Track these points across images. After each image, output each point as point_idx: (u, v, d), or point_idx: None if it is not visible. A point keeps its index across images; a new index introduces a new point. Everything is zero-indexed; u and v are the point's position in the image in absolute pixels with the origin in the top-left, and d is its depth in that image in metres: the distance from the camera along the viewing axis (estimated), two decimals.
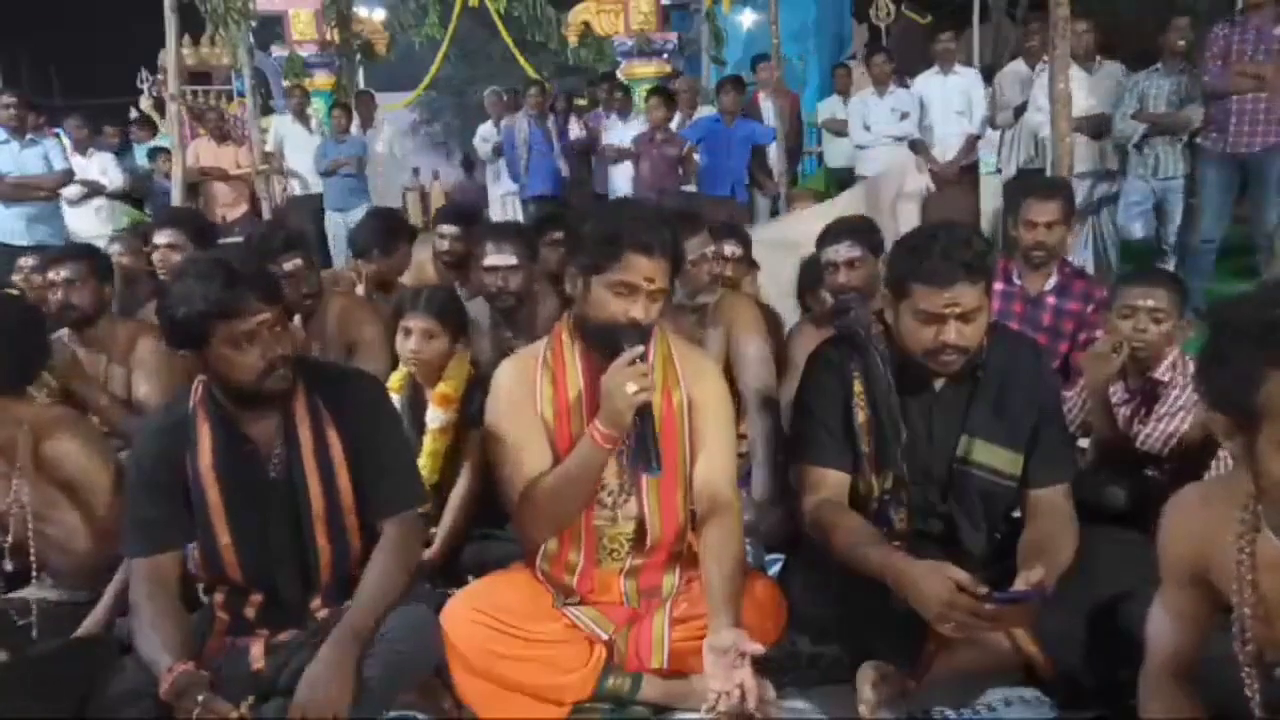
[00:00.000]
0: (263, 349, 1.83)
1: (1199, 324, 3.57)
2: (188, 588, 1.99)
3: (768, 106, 7.59)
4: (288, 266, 3.01)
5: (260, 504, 1.94)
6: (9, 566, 2.17)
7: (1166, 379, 2.61)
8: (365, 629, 1.84)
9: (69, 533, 2.18)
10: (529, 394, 2.02)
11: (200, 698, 1.70)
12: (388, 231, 3.82)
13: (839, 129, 7.33)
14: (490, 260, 3.07)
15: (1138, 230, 5.54)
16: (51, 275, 3.02)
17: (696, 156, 6.85)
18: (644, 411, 1.83)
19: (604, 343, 1.90)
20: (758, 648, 1.74)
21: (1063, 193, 3.39)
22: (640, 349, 1.84)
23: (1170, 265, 5.36)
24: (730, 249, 3.41)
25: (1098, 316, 3.15)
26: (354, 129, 7.87)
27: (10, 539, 2.14)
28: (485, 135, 8.11)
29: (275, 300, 1.87)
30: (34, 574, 2.24)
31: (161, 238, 3.56)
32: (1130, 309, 2.58)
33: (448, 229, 4.17)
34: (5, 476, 2.14)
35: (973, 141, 6.39)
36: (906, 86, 6.90)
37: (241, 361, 1.83)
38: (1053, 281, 3.27)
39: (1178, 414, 2.56)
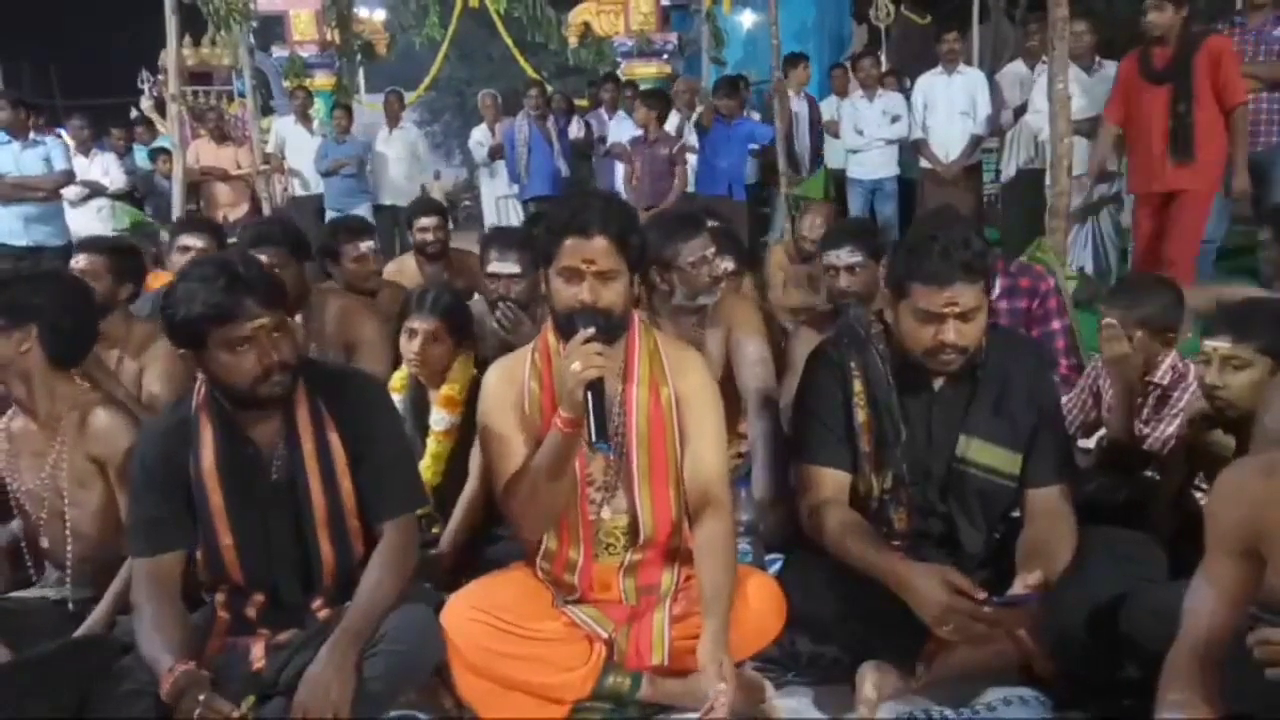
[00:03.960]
0: (259, 354, 1.83)
1: (1196, 325, 3.57)
2: (190, 587, 1.99)
3: (800, 108, 7.52)
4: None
5: (262, 506, 1.94)
6: (45, 544, 2.21)
7: (1165, 382, 2.62)
8: (363, 630, 1.84)
9: (88, 516, 2.20)
10: (516, 395, 2.03)
11: (201, 697, 1.70)
12: (321, 246, 3.71)
13: (836, 131, 7.33)
14: (493, 267, 3.07)
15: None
16: (73, 263, 3.09)
17: (692, 157, 6.85)
18: (594, 389, 1.81)
19: (565, 331, 1.91)
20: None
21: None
22: (590, 330, 1.83)
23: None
24: (724, 264, 3.34)
25: (1051, 304, 3.13)
26: (355, 129, 7.88)
27: (41, 516, 2.19)
28: (480, 138, 8.11)
29: (275, 306, 1.86)
30: (30, 565, 2.25)
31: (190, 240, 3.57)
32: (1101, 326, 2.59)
33: (426, 220, 4.29)
34: (41, 454, 2.18)
35: (976, 141, 6.40)
36: (904, 88, 6.90)
37: (237, 366, 1.83)
38: (999, 287, 3.23)
39: (1178, 416, 2.56)
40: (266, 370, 1.84)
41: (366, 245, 3.67)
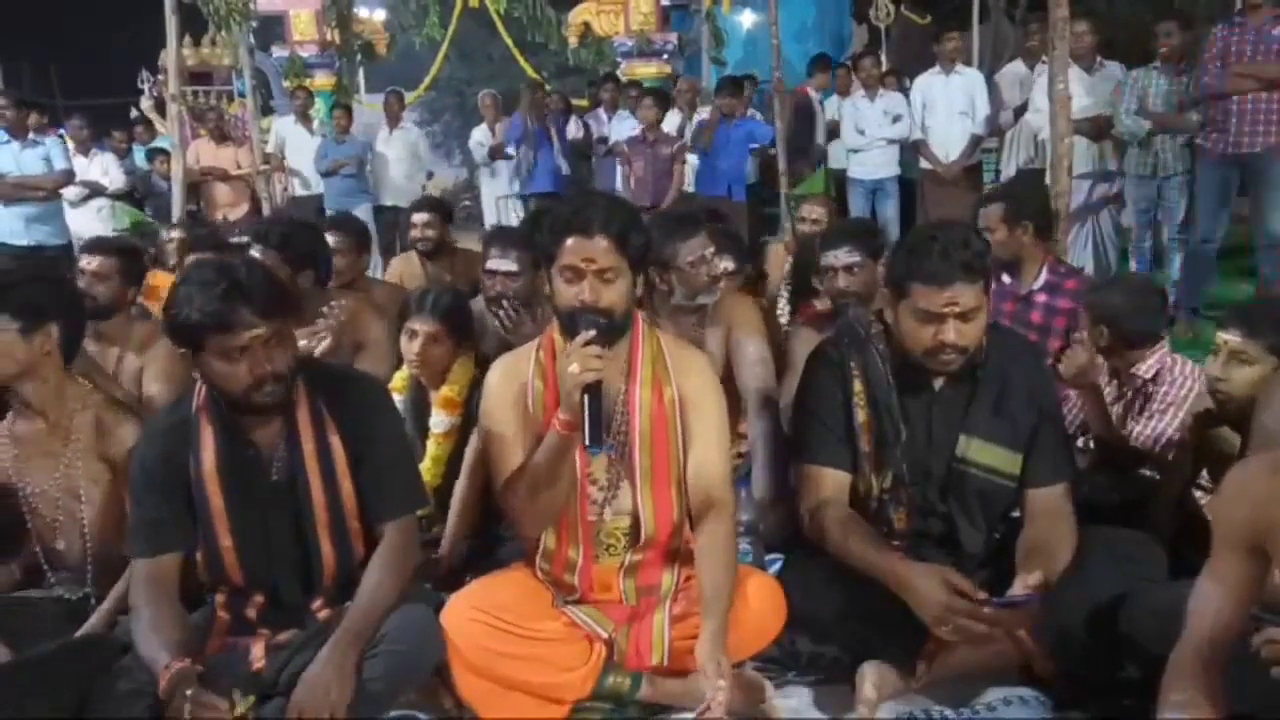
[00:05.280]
0: (251, 364, 1.82)
1: (1195, 324, 3.55)
2: (190, 586, 1.99)
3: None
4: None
5: (262, 506, 1.94)
6: (60, 546, 2.21)
7: (1151, 376, 2.62)
8: (364, 631, 1.84)
9: (100, 515, 2.20)
10: (519, 392, 2.03)
11: (189, 692, 1.69)
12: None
13: (836, 130, 7.33)
14: (491, 264, 3.06)
15: (1145, 234, 5.54)
16: (83, 263, 3.11)
17: (691, 157, 6.85)
18: (592, 391, 1.82)
19: (568, 331, 1.90)
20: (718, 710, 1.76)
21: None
22: (591, 333, 1.83)
23: (1175, 264, 5.36)
24: (724, 264, 3.31)
25: None
26: (355, 129, 7.87)
27: (57, 518, 2.19)
28: (480, 138, 8.10)
29: (273, 316, 1.83)
30: (45, 567, 2.25)
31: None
32: None
33: (419, 217, 4.32)
34: (54, 455, 2.18)
35: (976, 141, 6.39)
36: (904, 88, 6.90)
37: (231, 373, 1.83)
38: (1043, 279, 3.27)
39: (1167, 411, 2.57)
40: (258, 380, 1.83)
41: (329, 237, 3.54)
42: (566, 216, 1.90)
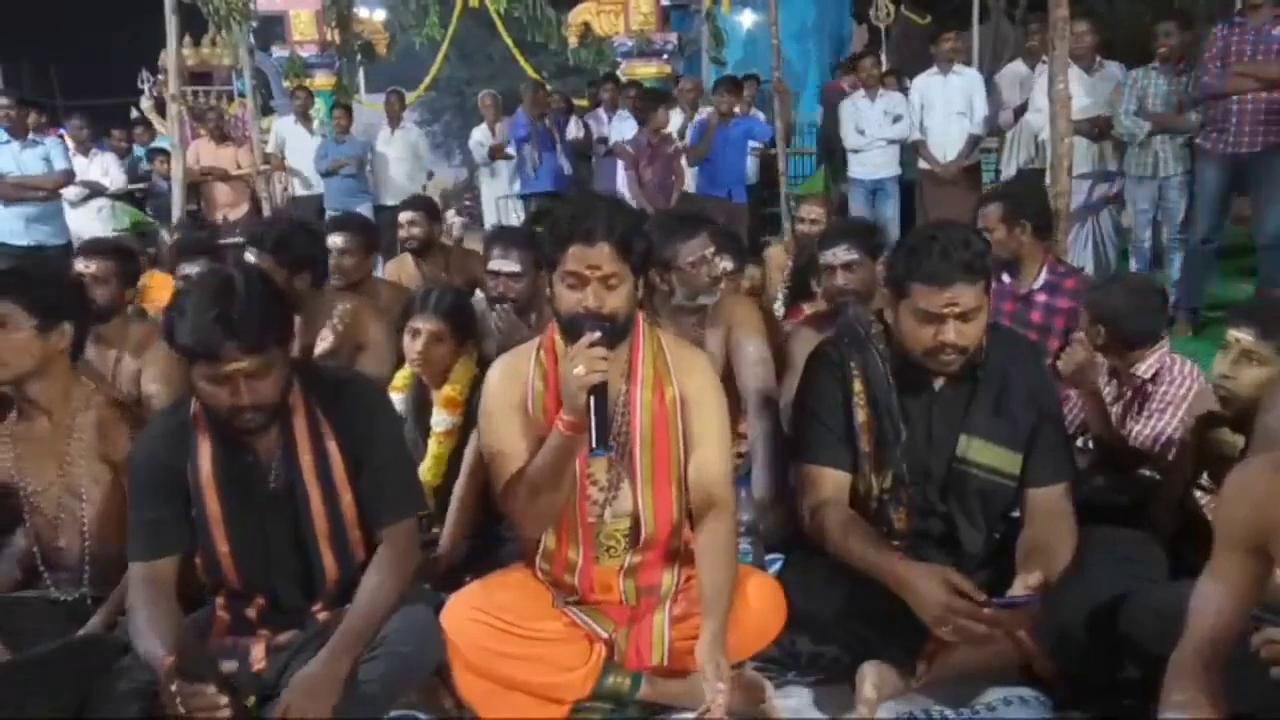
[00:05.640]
0: (230, 393, 1.81)
1: (1195, 324, 3.52)
2: (191, 586, 1.99)
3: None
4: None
5: (260, 513, 1.94)
6: (62, 544, 2.21)
7: (1151, 376, 2.62)
8: (364, 633, 1.84)
9: (96, 513, 2.20)
10: (519, 393, 2.03)
11: (173, 687, 1.67)
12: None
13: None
14: (494, 264, 3.06)
15: (1145, 234, 5.54)
16: (80, 266, 3.11)
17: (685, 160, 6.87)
18: (597, 393, 1.81)
19: (570, 335, 1.90)
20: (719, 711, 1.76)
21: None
22: (596, 335, 1.83)
23: (1175, 264, 5.36)
24: (723, 264, 3.28)
25: None
26: (355, 129, 7.88)
27: (58, 516, 2.19)
28: (480, 138, 8.10)
29: (260, 350, 1.80)
30: (42, 568, 2.25)
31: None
32: None
33: (404, 216, 4.27)
34: (57, 454, 2.18)
35: (975, 141, 6.39)
36: (904, 88, 6.90)
37: (212, 395, 1.82)
38: (1042, 279, 3.28)
39: (1166, 410, 2.57)
40: (237, 409, 1.83)
41: (331, 239, 3.55)
42: (569, 223, 1.89)
